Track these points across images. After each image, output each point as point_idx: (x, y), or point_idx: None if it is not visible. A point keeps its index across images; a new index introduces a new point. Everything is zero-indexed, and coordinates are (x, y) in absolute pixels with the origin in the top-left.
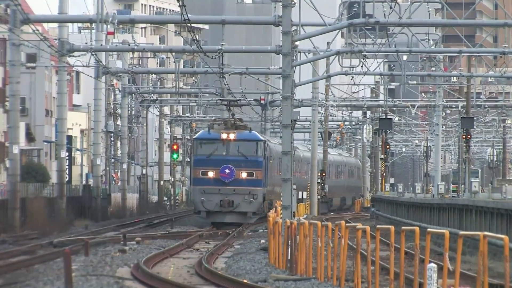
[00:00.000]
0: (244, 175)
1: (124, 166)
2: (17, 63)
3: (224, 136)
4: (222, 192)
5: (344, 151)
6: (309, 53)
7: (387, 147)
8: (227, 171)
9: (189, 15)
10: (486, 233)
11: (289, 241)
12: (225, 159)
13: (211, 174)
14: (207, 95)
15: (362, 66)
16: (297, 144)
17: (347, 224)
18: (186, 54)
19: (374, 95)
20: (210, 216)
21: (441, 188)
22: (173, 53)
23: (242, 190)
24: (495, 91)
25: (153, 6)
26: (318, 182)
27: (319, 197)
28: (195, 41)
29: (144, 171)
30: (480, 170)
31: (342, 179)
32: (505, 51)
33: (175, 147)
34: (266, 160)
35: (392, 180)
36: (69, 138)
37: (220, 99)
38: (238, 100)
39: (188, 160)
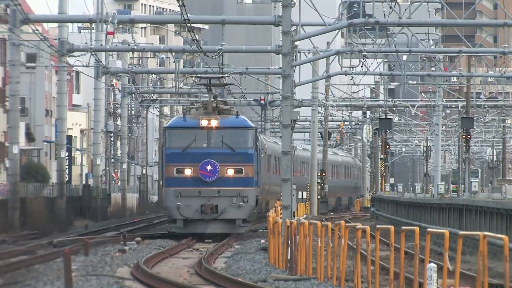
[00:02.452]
0: (230, 172)
1: (124, 166)
2: (17, 63)
3: (204, 123)
4: (203, 195)
5: (344, 150)
6: (309, 53)
7: (387, 147)
8: (208, 167)
9: (189, 15)
10: (486, 233)
11: (289, 241)
12: (206, 153)
13: (188, 172)
14: (206, 95)
15: (362, 66)
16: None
17: (347, 224)
18: (186, 54)
19: (374, 95)
20: (188, 225)
21: (441, 188)
22: (173, 53)
23: (229, 192)
24: (495, 91)
25: (153, 6)
26: (318, 182)
27: (319, 197)
28: (195, 41)
29: (144, 171)
30: (480, 170)
31: (336, 179)
32: (505, 51)
33: None
34: (258, 153)
35: (392, 180)
36: (69, 138)
37: (199, 76)
38: (221, 77)
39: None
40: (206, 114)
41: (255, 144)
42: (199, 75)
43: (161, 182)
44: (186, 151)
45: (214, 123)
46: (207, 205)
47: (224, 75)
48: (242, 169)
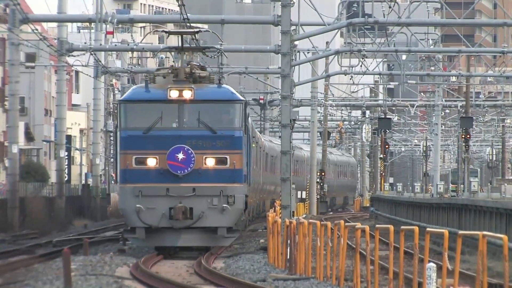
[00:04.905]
0: (210, 162)
1: None
2: (16, 63)
3: (173, 94)
4: (173, 194)
5: (341, 150)
6: (308, 52)
7: (386, 146)
8: (180, 156)
9: (188, 14)
10: (485, 232)
11: (288, 241)
12: (177, 136)
13: (152, 162)
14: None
15: (361, 66)
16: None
17: (346, 224)
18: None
19: (373, 94)
20: (152, 236)
21: (440, 188)
22: (172, 53)
23: (208, 189)
24: (494, 90)
25: (152, 6)
26: (317, 182)
27: (318, 197)
28: (194, 40)
29: None
30: (479, 169)
31: (331, 179)
32: (504, 50)
33: None
34: (248, 138)
35: (391, 180)
36: (68, 137)
37: (167, 32)
38: (197, 31)
39: (112, 140)
40: (177, 83)
41: (244, 125)
42: (167, 30)
43: (115, 176)
44: (148, 134)
45: (187, 94)
46: (178, 208)
47: (202, 30)
48: (226, 158)
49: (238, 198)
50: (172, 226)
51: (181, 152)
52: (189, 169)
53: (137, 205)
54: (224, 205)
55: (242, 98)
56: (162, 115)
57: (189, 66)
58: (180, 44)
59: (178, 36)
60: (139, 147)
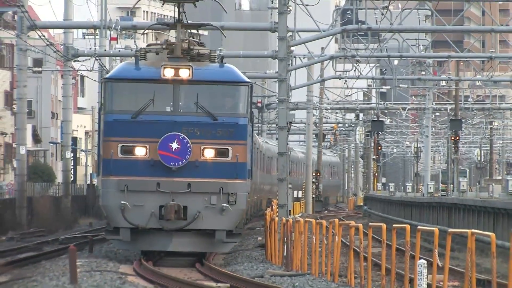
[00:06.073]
0: (209, 154)
1: None
2: (24, 68)
3: (168, 73)
4: (164, 190)
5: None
6: (304, 58)
7: (379, 148)
8: (174, 145)
9: (189, 21)
10: (474, 230)
11: (285, 238)
12: (171, 122)
13: (141, 152)
14: None
15: (355, 70)
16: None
17: (341, 222)
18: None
19: (366, 98)
20: (138, 239)
21: (430, 187)
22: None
23: (206, 186)
24: (483, 94)
25: (155, 13)
26: (312, 182)
27: (314, 196)
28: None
29: None
30: (468, 170)
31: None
32: (492, 55)
33: None
34: (252, 128)
35: (383, 180)
36: (74, 139)
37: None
38: None
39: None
40: (173, 60)
41: (250, 111)
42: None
43: (97, 168)
44: (137, 118)
45: (184, 73)
46: (170, 207)
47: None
48: (227, 149)
49: (240, 197)
50: (162, 228)
51: (175, 141)
52: (184, 161)
53: (122, 202)
54: (224, 205)
55: (247, 80)
56: (154, 97)
57: (187, 41)
58: (176, 16)
59: (175, 5)
60: (126, 134)
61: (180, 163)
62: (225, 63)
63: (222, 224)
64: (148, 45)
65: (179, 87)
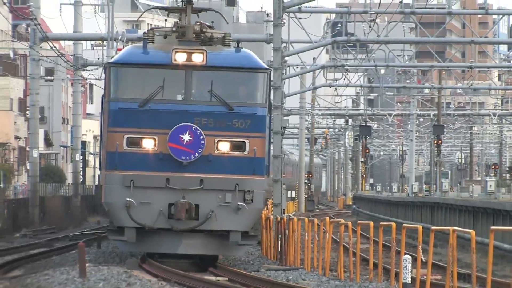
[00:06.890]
0: (224, 147)
1: None
2: (36, 76)
3: (179, 58)
4: (174, 186)
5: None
6: (297, 67)
7: (367, 151)
8: (185, 137)
9: None
10: (455, 228)
11: (280, 235)
12: (183, 111)
13: (148, 144)
14: None
15: (344, 79)
16: None
17: (331, 220)
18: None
19: (355, 104)
20: (145, 239)
21: (415, 188)
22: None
23: (220, 182)
24: (463, 101)
25: (158, 26)
26: (305, 183)
27: (306, 196)
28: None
29: None
30: (449, 171)
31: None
32: (472, 65)
33: None
34: (270, 119)
35: (371, 181)
36: (83, 143)
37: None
38: None
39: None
40: (184, 44)
41: (268, 101)
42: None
43: (100, 161)
44: (145, 107)
45: (198, 58)
46: (180, 205)
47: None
48: (244, 142)
49: (258, 195)
50: (171, 228)
51: (187, 133)
52: (196, 155)
53: (128, 199)
54: (240, 203)
55: (266, 66)
56: (164, 83)
57: (199, 23)
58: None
59: None
60: (132, 124)
61: (192, 157)
62: (242, 47)
63: (237, 225)
64: (152, 29)
65: (191, 73)
